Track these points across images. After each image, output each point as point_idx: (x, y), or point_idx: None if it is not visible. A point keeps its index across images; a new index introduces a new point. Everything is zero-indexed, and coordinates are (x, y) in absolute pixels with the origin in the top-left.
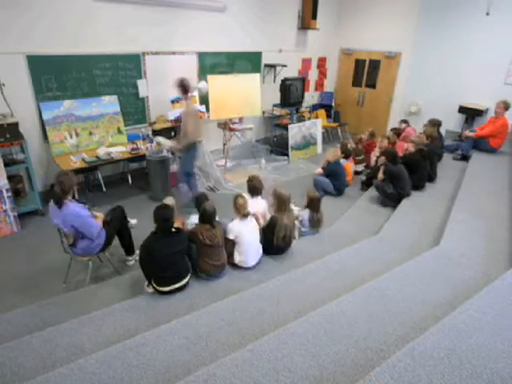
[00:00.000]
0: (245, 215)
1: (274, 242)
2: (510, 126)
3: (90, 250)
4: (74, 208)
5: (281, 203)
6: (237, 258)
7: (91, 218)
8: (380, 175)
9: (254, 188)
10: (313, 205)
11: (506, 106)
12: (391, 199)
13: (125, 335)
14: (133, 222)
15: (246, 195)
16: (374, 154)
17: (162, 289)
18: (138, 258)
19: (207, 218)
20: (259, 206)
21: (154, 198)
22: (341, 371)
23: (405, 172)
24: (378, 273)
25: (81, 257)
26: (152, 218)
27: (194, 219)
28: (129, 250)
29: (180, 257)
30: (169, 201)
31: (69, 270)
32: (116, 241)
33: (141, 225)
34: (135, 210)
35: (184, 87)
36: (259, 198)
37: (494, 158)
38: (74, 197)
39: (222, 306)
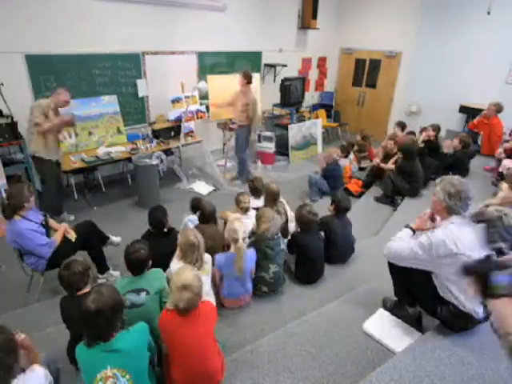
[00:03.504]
0: (243, 209)
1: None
2: (503, 128)
3: (36, 267)
4: (20, 226)
5: (269, 197)
6: None
7: (37, 236)
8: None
9: (256, 189)
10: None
11: (498, 109)
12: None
13: None
14: (116, 239)
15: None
16: (375, 161)
17: None
18: (111, 277)
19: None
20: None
21: (140, 204)
22: (341, 372)
23: (420, 168)
24: (379, 273)
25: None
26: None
27: (189, 218)
28: (100, 267)
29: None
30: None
31: (31, 282)
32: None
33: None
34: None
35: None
36: (261, 198)
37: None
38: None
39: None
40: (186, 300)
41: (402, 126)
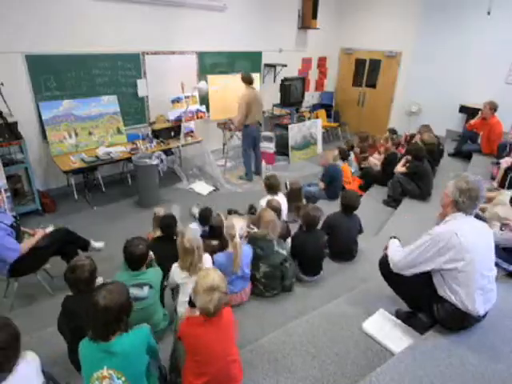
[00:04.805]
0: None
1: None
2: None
3: None
4: None
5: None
6: None
7: (5, 237)
8: (401, 169)
9: (272, 186)
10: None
11: (494, 107)
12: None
13: None
14: (98, 245)
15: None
16: (375, 158)
17: None
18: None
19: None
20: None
21: (140, 203)
22: (341, 372)
23: (429, 170)
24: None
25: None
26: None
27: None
28: None
29: None
30: (159, 211)
31: (7, 287)
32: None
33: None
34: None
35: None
36: (278, 195)
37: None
38: None
39: None
40: (216, 300)
41: (394, 133)
